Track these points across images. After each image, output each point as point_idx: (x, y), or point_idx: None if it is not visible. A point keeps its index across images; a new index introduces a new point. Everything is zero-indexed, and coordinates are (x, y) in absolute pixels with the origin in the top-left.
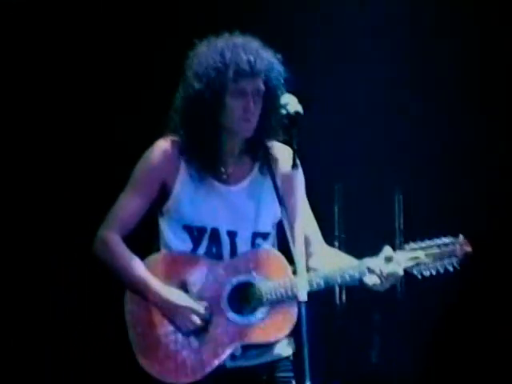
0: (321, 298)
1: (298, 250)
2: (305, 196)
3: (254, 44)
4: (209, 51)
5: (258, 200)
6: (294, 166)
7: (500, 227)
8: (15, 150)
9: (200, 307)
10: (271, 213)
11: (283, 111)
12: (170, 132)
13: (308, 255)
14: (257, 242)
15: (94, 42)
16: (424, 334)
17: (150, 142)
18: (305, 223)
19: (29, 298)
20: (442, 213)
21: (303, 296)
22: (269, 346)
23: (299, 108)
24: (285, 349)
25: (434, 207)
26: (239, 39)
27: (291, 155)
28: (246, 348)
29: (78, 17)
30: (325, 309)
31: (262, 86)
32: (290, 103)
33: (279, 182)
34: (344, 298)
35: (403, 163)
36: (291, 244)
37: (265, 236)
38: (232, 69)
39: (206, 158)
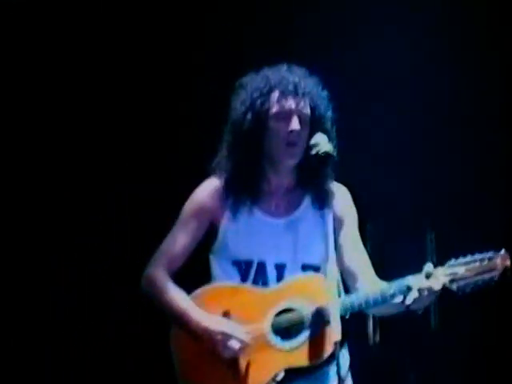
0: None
1: (331, 291)
2: (357, 233)
3: (300, 69)
4: (254, 77)
5: (306, 233)
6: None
7: None
8: (15, 150)
9: (238, 332)
10: (320, 247)
11: (313, 151)
12: (217, 170)
13: (356, 290)
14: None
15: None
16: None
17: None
18: (356, 259)
19: (28, 298)
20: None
21: (337, 336)
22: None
23: (329, 148)
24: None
25: (466, 244)
26: (285, 66)
27: (346, 193)
28: (292, 376)
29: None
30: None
31: (308, 110)
32: (320, 143)
33: (331, 218)
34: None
35: (433, 201)
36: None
37: (316, 269)
38: (276, 90)
39: (250, 190)
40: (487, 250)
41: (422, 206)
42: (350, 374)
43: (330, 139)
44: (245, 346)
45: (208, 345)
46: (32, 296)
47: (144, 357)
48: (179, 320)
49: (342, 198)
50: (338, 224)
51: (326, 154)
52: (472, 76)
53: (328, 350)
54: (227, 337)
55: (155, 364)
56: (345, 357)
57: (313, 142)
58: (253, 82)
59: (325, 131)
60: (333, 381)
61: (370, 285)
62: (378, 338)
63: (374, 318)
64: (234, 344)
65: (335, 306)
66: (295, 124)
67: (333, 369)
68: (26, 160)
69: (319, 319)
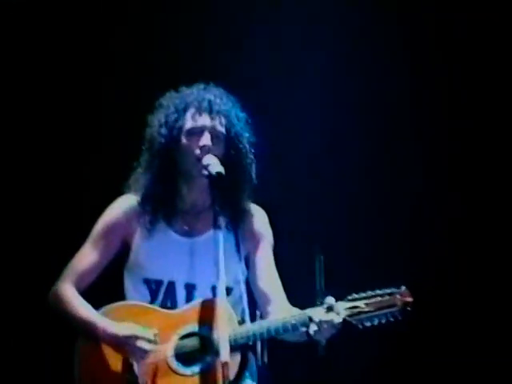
0: None
1: (220, 310)
2: (271, 256)
3: (218, 88)
4: (172, 96)
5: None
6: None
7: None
8: (16, 151)
9: (147, 333)
10: (232, 268)
11: (205, 172)
12: (133, 187)
13: (266, 314)
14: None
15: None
16: None
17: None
18: (269, 282)
19: (29, 298)
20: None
21: (225, 357)
22: None
23: (221, 169)
24: None
25: (356, 266)
26: (202, 85)
27: (263, 215)
28: None
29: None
30: None
31: (222, 128)
32: (212, 164)
33: (245, 241)
34: (266, 358)
35: (322, 222)
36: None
37: (227, 291)
38: (191, 107)
39: (165, 208)
40: (387, 286)
41: (310, 228)
42: None
43: (245, 159)
44: (153, 347)
45: (117, 351)
46: (32, 296)
47: None
48: (86, 328)
49: (258, 220)
50: (251, 245)
51: (219, 175)
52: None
53: (228, 377)
54: (136, 339)
55: None
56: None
57: (205, 162)
58: (169, 101)
59: (240, 150)
60: None
61: (280, 310)
62: (265, 359)
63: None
64: (144, 345)
65: (223, 329)
66: (206, 140)
67: None
68: (26, 161)
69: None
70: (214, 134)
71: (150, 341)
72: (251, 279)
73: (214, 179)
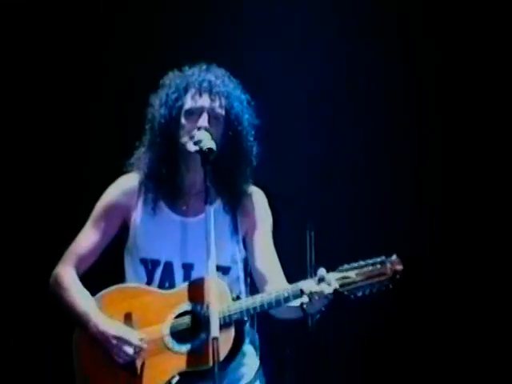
0: None
1: (211, 288)
2: (270, 236)
3: (220, 70)
4: (174, 76)
5: (216, 234)
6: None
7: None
8: (16, 151)
9: (133, 337)
10: (229, 248)
11: (196, 147)
12: (136, 167)
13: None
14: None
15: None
16: (337, 367)
17: None
18: (267, 262)
19: (28, 298)
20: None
21: (214, 332)
22: (223, 381)
23: (212, 144)
24: (248, 381)
25: (346, 242)
26: (204, 65)
27: (262, 196)
28: (187, 379)
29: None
30: None
31: (221, 110)
32: (204, 140)
33: (243, 222)
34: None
35: (314, 197)
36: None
37: (224, 270)
38: (192, 88)
39: (164, 188)
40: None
41: (302, 202)
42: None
43: (245, 142)
44: (139, 351)
45: (104, 348)
46: (31, 296)
47: None
48: (79, 321)
49: (257, 201)
50: (250, 226)
51: (209, 151)
52: None
53: (222, 353)
54: (122, 342)
55: None
56: (247, 357)
57: (196, 138)
58: (171, 80)
59: (239, 132)
60: (229, 378)
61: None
62: None
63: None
64: (128, 349)
65: (213, 305)
66: (203, 121)
67: (228, 372)
68: (26, 161)
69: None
70: (213, 115)
71: (134, 346)
72: (249, 260)
73: (204, 155)
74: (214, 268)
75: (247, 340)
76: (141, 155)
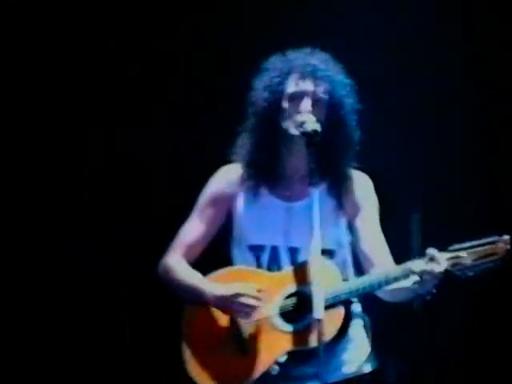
0: None
1: (313, 270)
2: (376, 219)
3: (324, 54)
4: (277, 59)
5: (321, 217)
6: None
7: None
8: (16, 152)
9: (250, 290)
10: (334, 231)
11: (300, 129)
12: (238, 152)
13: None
14: None
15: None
16: (442, 352)
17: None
18: (372, 244)
19: (28, 298)
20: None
21: (317, 314)
22: (329, 363)
23: (317, 126)
24: (355, 366)
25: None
26: (308, 49)
27: (367, 180)
28: (295, 358)
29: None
30: None
31: (325, 95)
32: (308, 121)
33: (347, 205)
34: None
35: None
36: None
37: (330, 253)
38: (295, 71)
39: (266, 173)
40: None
41: (406, 186)
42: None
43: (347, 126)
44: (260, 300)
45: (224, 310)
46: (31, 296)
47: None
48: (193, 294)
49: (361, 185)
50: (354, 209)
51: (314, 132)
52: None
53: (329, 333)
54: (240, 296)
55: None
56: (355, 339)
57: (300, 119)
58: (274, 64)
59: (342, 117)
60: (338, 360)
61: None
62: None
63: None
64: (249, 301)
65: (317, 287)
66: (306, 105)
67: (339, 349)
68: (27, 161)
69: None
70: (316, 100)
71: (254, 297)
72: (355, 244)
73: (309, 137)
74: (319, 249)
75: (359, 323)
76: (243, 141)
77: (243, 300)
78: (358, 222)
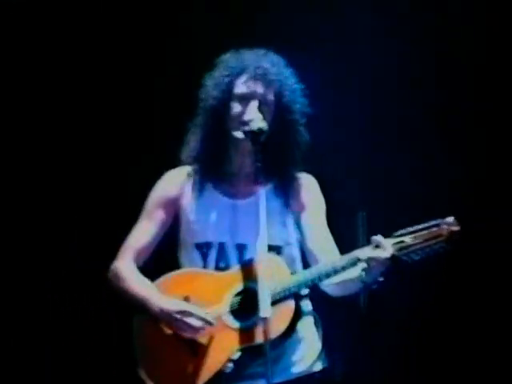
0: None
1: (259, 266)
2: (323, 219)
3: (276, 57)
4: (230, 57)
5: (266, 215)
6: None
7: None
8: (16, 152)
9: (197, 309)
10: (281, 229)
11: (246, 128)
12: (186, 149)
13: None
14: None
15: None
16: (389, 349)
17: None
18: (319, 243)
19: (28, 298)
20: None
21: (263, 311)
22: (280, 361)
23: (263, 125)
24: (305, 364)
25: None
26: (262, 51)
27: (313, 182)
28: (249, 355)
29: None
30: None
31: (272, 98)
32: (254, 120)
33: (294, 205)
34: None
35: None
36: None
37: (277, 250)
38: (246, 72)
39: (213, 170)
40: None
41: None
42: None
43: (294, 130)
44: (204, 324)
45: (169, 326)
46: (31, 296)
47: None
48: (141, 305)
49: (307, 186)
50: (301, 209)
51: (259, 130)
52: None
53: (280, 327)
54: (186, 315)
55: None
56: (306, 337)
57: (246, 118)
58: (227, 62)
59: (289, 121)
60: (288, 358)
61: None
62: None
63: None
64: (195, 322)
65: (263, 283)
66: (253, 107)
67: (289, 346)
68: (27, 162)
69: (273, 298)
70: (264, 102)
71: (200, 318)
72: (302, 243)
73: (254, 135)
74: (265, 245)
75: (310, 321)
76: (191, 137)
77: (188, 320)
78: (305, 222)
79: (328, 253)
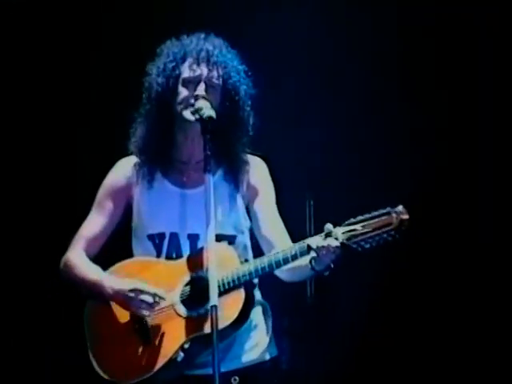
0: None
1: (209, 255)
2: (273, 203)
3: (218, 40)
4: (172, 44)
5: (219, 203)
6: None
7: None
8: (16, 152)
9: (149, 287)
10: (233, 217)
11: (196, 116)
12: (132, 138)
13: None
14: None
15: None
16: (335, 338)
17: None
18: (272, 229)
19: (28, 298)
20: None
21: (213, 300)
22: (231, 349)
23: (212, 113)
24: (256, 353)
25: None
26: (203, 34)
27: (262, 164)
28: (199, 342)
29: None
30: None
31: (219, 80)
32: (204, 108)
33: (244, 191)
34: None
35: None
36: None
37: (230, 238)
38: (190, 57)
39: (161, 158)
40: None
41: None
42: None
43: (241, 111)
44: (158, 299)
45: (123, 305)
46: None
47: None
48: (93, 290)
49: (257, 169)
50: (252, 194)
51: (210, 118)
52: None
53: (230, 316)
54: (138, 292)
55: None
56: (257, 326)
57: (196, 106)
58: (169, 49)
59: (236, 102)
60: (241, 346)
61: None
62: None
63: None
64: (146, 298)
65: (212, 273)
66: (200, 90)
67: (241, 334)
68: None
69: (224, 287)
70: (210, 85)
71: (153, 294)
72: (254, 228)
73: (205, 123)
74: (213, 235)
75: (259, 310)
76: (138, 127)
77: (141, 296)
78: (256, 207)
79: (281, 239)
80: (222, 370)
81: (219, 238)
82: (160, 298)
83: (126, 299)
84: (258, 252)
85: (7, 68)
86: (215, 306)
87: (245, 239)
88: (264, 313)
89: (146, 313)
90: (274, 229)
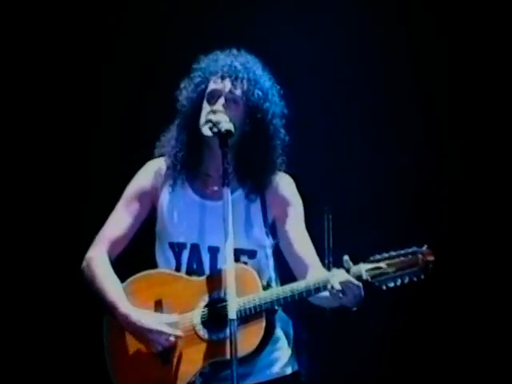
0: None
1: (228, 273)
2: (301, 221)
3: (249, 57)
4: (203, 60)
5: (240, 218)
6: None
7: None
8: (17, 153)
9: (168, 329)
10: (255, 233)
11: (214, 129)
12: (164, 150)
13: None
14: (242, 260)
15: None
16: (355, 352)
17: None
18: (304, 249)
19: (28, 298)
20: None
21: (231, 314)
22: (250, 365)
23: (230, 126)
24: (278, 367)
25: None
26: (234, 50)
27: (290, 182)
28: (218, 367)
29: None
30: None
31: (240, 95)
32: (221, 122)
33: (271, 207)
34: None
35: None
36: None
37: (250, 254)
38: (217, 72)
39: (188, 171)
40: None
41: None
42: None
43: (265, 130)
44: (174, 340)
45: (137, 339)
46: (31, 296)
47: None
48: (107, 306)
49: (284, 186)
50: (280, 212)
51: (227, 132)
52: None
53: (252, 344)
54: (155, 334)
55: None
56: (279, 350)
57: (214, 120)
58: (200, 65)
59: (260, 120)
60: (263, 360)
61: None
62: None
63: None
64: (163, 341)
65: (231, 293)
66: (218, 104)
67: (260, 361)
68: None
69: (246, 313)
70: (231, 99)
71: (174, 336)
72: (283, 246)
73: (222, 137)
74: (231, 251)
75: (280, 326)
76: (169, 137)
77: (158, 339)
78: (284, 224)
79: (312, 256)
80: None
81: (239, 252)
82: (177, 337)
83: (139, 335)
84: (282, 265)
85: (23, 72)
86: (233, 320)
87: (267, 255)
88: (285, 327)
89: (156, 352)
90: (306, 247)
